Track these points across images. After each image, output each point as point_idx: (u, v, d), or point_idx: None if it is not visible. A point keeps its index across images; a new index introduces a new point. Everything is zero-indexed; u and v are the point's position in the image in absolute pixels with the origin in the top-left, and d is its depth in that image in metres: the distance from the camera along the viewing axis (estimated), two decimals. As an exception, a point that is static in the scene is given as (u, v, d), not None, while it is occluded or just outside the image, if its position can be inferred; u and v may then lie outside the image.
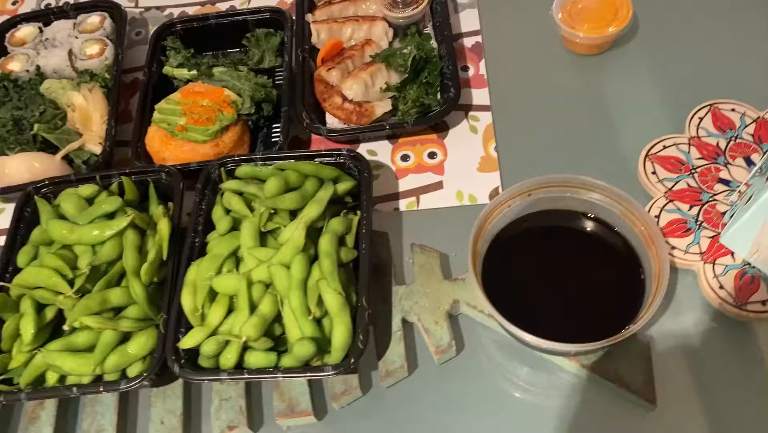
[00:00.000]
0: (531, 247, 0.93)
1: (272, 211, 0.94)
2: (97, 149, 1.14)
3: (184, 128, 1.08)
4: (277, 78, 1.23)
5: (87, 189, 1.01)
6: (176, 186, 1.00)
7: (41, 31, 1.30)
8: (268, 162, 1.01)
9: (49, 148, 1.15)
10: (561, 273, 0.91)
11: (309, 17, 1.23)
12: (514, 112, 1.14)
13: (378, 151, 1.13)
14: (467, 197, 1.05)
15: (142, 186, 1.04)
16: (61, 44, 1.28)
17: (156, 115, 1.12)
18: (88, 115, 1.16)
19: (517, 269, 0.91)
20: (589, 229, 0.93)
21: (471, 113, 1.14)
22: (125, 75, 1.28)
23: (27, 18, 1.32)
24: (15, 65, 1.25)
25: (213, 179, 1.01)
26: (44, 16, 1.32)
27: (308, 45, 1.20)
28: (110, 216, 0.97)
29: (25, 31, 1.30)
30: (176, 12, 1.37)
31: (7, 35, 1.30)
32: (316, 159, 1.01)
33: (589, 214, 0.94)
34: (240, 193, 0.98)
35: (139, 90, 1.19)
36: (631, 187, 0.97)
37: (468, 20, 1.26)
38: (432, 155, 1.11)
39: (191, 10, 1.37)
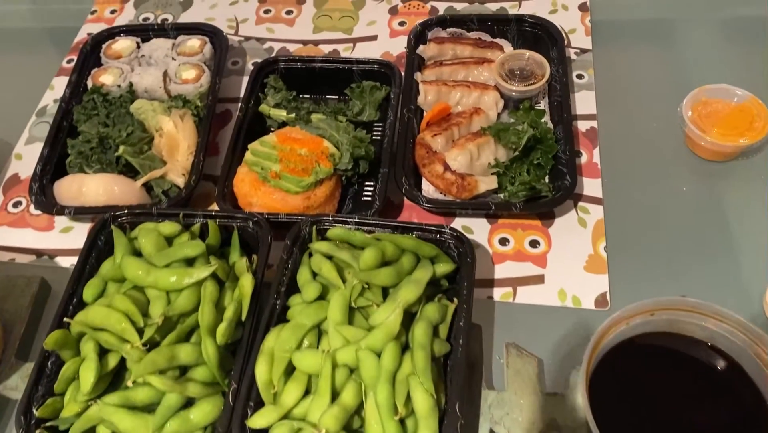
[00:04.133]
0: (646, 373, 0.84)
1: (365, 285, 0.86)
2: (180, 181, 1.07)
3: (278, 176, 1.02)
4: (374, 134, 1.16)
5: (168, 227, 0.94)
6: (264, 238, 0.93)
7: (138, 46, 1.26)
8: (362, 227, 0.94)
9: (130, 171, 1.09)
10: (677, 408, 0.81)
11: (418, 76, 1.17)
12: (628, 210, 1.05)
13: (475, 229, 1.05)
14: (570, 298, 0.96)
15: (224, 231, 0.97)
16: (156, 63, 1.23)
17: (249, 156, 1.06)
18: (176, 144, 1.10)
19: (629, 395, 0.82)
20: (713, 362, 0.83)
21: (581, 204, 1.06)
22: (218, 105, 1.23)
23: (127, 31, 1.28)
24: (107, 78, 1.20)
25: (303, 237, 0.94)
26: (143, 32, 1.28)
27: (414, 105, 1.14)
28: (190, 262, 0.90)
29: (123, 44, 1.26)
30: (276, 47, 1.32)
31: (104, 46, 1.26)
32: (415, 232, 0.93)
33: (713, 345, 0.84)
34: (329, 257, 0.91)
35: (229, 123, 1.14)
36: (753, 318, 0.88)
37: (584, 102, 1.18)
38: (534, 244, 1.02)
39: (292, 48, 1.31)
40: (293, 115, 1.13)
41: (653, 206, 1.05)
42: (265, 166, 1.03)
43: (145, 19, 1.39)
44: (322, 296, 0.87)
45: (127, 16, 1.41)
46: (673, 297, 0.83)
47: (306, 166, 1.02)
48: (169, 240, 0.94)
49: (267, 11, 1.38)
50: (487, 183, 1.05)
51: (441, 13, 1.35)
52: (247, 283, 0.87)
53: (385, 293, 0.88)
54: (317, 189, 1.02)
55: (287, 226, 0.95)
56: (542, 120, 1.12)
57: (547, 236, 1.03)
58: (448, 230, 0.92)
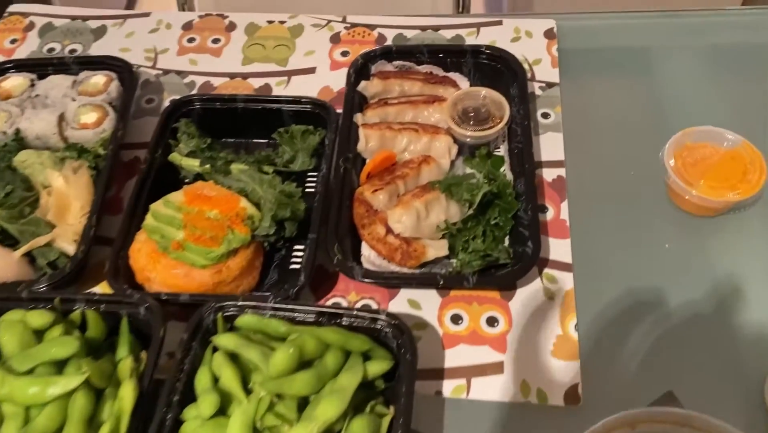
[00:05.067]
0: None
1: (275, 397, 0.69)
2: (71, 249, 0.89)
3: (181, 246, 0.84)
4: (308, 184, 0.99)
5: (39, 317, 0.75)
6: (155, 328, 0.75)
7: (33, 84, 1.07)
8: (279, 313, 0.77)
9: (8, 239, 0.90)
10: None
11: (358, 118, 1.00)
12: (603, 277, 0.89)
13: (423, 303, 0.88)
14: (535, 392, 0.79)
15: (112, 318, 0.79)
16: (53, 105, 1.05)
17: (149, 220, 0.88)
18: (66, 204, 0.92)
19: None
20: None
21: (546, 271, 0.89)
22: (125, 151, 1.05)
23: (20, 66, 1.10)
24: (-8, 124, 1.02)
25: (206, 326, 0.77)
26: (40, 67, 1.09)
27: (352, 153, 0.97)
28: (61, 364, 0.72)
29: (14, 81, 1.07)
30: (199, 81, 1.14)
31: (-8, 84, 1.07)
32: (345, 318, 0.76)
33: (708, 464, 0.68)
34: (236, 356, 0.73)
35: (136, 176, 0.96)
36: (754, 414, 0.72)
37: (550, 146, 1.02)
38: (492, 322, 0.86)
39: (217, 82, 1.14)
40: (208, 166, 0.95)
41: (634, 272, 0.89)
42: (166, 234, 0.85)
43: (50, 50, 1.21)
44: (224, 410, 0.70)
45: (29, 46, 1.22)
46: (658, 408, 0.67)
47: (216, 233, 0.84)
48: (40, 334, 0.76)
49: (191, 39, 1.21)
50: (436, 248, 0.88)
51: (389, 41, 1.18)
52: (127, 394, 0.69)
53: (305, 402, 0.71)
54: (230, 261, 0.85)
55: (195, 307, 0.78)
56: (501, 169, 0.96)
57: (507, 311, 0.86)
58: (384, 317, 0.75)
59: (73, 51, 1.20)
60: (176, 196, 0.89)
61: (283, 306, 0.77)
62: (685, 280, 0.88)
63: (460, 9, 1.45)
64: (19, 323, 0.75)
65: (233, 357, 0.73)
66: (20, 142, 0.99)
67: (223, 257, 0.84)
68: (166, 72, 1.16)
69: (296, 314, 0.77)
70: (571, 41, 1.15)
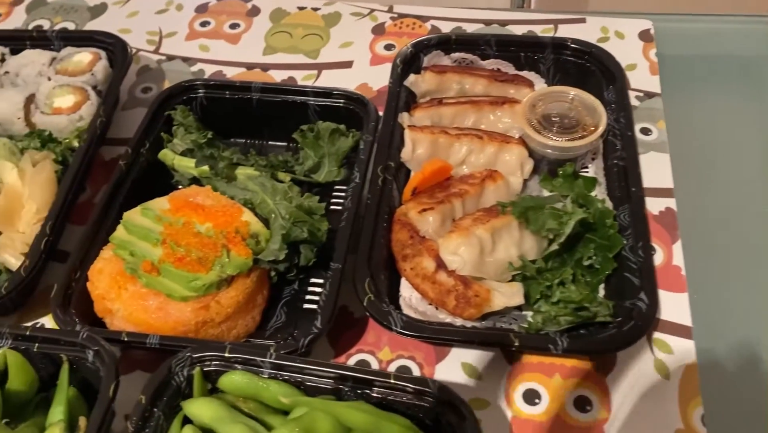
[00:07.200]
0: None
1: (267, 508, 0.45)
2: (15, 263, 0.67)
3: (155, 268, 0.61)
4: (334, 200, 0.76)
5: (-62, 357, 0.53)
6: (104, 383, 0.52)
7: (3, 59, 0.87)
8: (282, 373, 0.53)
9: (-62, 246, 0.69)
10: None
11: (404, 118, 0.77)
12: (735, 346, 0.64)
13: (484, 371, 0.63)
14: None
15: (50, 363, 0.56)
16: (24, 83, 0.85)
17: (119, 232, 0.65)
18: (18, 203, 0.71)
19: None
20: None
21: (657, 335, 0.65)
22: (108, 147, 0.84)
23: (-6, 37, 0.90)
24: (-54, 102, 0.81)
25: (176, 385, 0.53)
26: (17, 40, 0.90)
27: (395, 161, 0.74)
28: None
29: (-19, 56, 0.87)
30: (210, 70, 0.93)
31: (-43, 58, 0.87)
32: (376, 388, 0.52)
33: None
34: (215, 433, 0.50)
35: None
36: None
37: (653, 169, 0.78)
38: (582, 403, 0.61)
39: (231, 72, 0.93)
40: (206, 167, 0.73)
41: (777, 344, 0.64)
42: (138, 251, 0.62)
43: (38, 27, 1.01)
44: None
45: (13, 22, 1.03)
46: None
47: (205, 253, 0.61)
48: (-62, 381, 0.53)
49: (205, 23, 1.00)
50: (506, 295, 0.64)
51: (445, 35, 0.97)
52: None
53: None
54: (222, 293, 0.62)
55: (168, 355, 0.55)
56: (593, 194, 0.72)
57: (604, 390, 0.61)
58: (435, 392, 0.51)
59: (55, 28, 1.00)
60: (159, 203, 0.67)
61: (289, 363, 0.53)
62: None
63: (520, 5, 1.23)
64: None
65: (210, 436, 0.50)
66: (-24, 125, 0.78)
67: (212, 286, 0.61)
68: (171, 58, 0.96)
69: (307, 376, 0.53)
70: (675, 45, 0.92)
